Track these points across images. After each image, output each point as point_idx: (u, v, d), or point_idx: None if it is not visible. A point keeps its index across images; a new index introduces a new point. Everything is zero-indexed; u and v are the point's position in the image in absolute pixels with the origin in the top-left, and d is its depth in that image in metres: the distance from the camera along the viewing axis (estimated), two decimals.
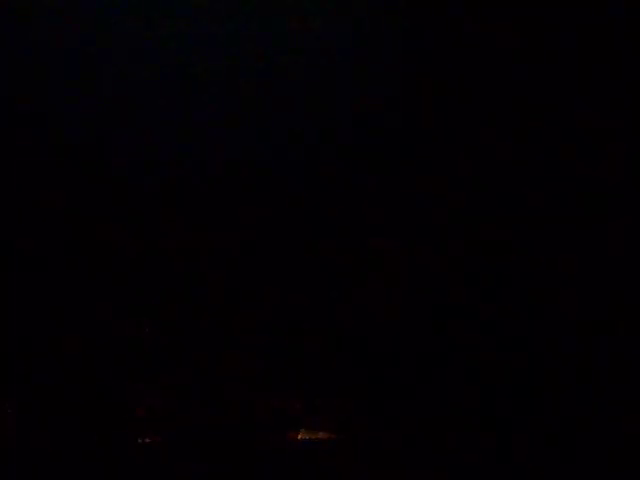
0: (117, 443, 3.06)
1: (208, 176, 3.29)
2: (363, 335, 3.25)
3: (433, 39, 3.34)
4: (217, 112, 3.30)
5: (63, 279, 3.22)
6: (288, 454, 3.09)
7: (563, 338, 3.21)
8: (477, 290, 3.25)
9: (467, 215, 3.29)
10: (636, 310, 3.19)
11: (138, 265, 3.25)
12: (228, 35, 3.30)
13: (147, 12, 3.28)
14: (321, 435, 3.13)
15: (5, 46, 3.26)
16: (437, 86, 3.33)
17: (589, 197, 3.27)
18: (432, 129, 3.33)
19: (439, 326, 3.25)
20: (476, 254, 3.28)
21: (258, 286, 3.28)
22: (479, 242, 3.28)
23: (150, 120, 3.28)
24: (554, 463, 3.07)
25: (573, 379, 3.17)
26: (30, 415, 3.08)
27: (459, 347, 3.21)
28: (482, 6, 3.32)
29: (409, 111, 3.33)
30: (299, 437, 3.13)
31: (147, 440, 3.07)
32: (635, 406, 3.11)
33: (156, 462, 3.04)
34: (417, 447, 3.11)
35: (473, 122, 3.32)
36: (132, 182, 3.27)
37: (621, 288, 3.22)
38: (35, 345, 3.16)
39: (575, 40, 3.28)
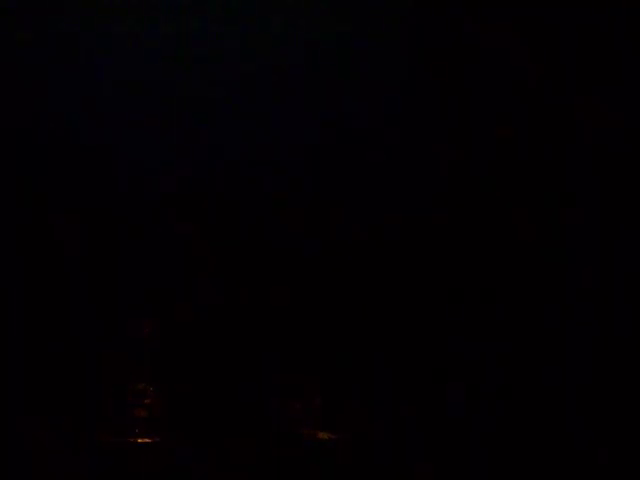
0: (116, 443, 3.06)
1: (208, 178, 3.31)
2: (363, 335, 3.26)
3: (433, 39, 3.35)
4: (216, 116, 3.31)
5: (65, 279, 3.22)
6: (288, 454, 3.10)
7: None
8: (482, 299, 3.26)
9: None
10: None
11: (139, 265, 3.25)
12: (228, 35, 3.30)
13: (147, 12, 3.29)
14: (321, 435, 3.13)
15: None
16: (437, 85, 3.34)
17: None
18: (432, 128, 3.34)
19: (438, 327, 3.25)
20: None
21: (259, 287, 3.28)
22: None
23: (150, 123, 3.28)
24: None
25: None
26: (30, 415, 3.08)
27: (460, 348, 3.22)
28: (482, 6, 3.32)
29: (410, 111, 3.34)
30: (299, 437, 3.13)
31: (147, 440, 3.07)
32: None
33: (156, 462, 3.04)
34: (417, 447, 3.11)
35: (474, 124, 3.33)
36: (130, 183, 3.27)
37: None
38: (35, 345, 3.16)
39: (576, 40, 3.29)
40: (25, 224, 3.22)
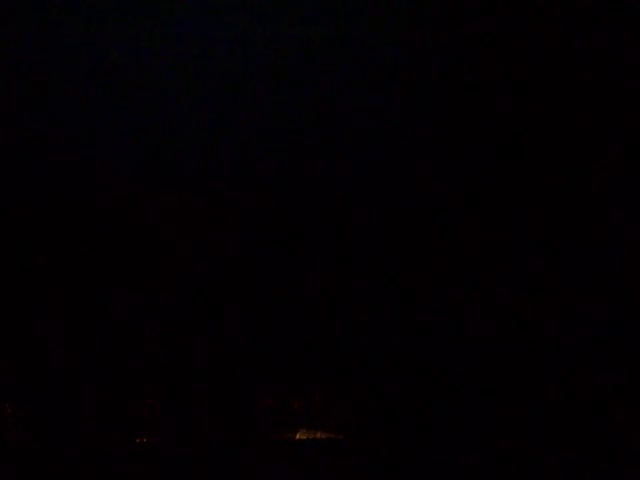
0: (117, 443, 3.06)
1: (205, 177, 3.30)
2: (363, 335, 3.25)
3: (434, 40, 3.34)
4: (215, 114, 3.31)
5: (64, 277, 3.22)
6: (288, 454, 3.09)
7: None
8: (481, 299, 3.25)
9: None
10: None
11: (138, 264, 3.25)
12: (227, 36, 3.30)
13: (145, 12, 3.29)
14: (321, 435, 3.13)
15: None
16: (438, 88, 3.33)
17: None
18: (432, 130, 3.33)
19: (438, 327, 3.25)
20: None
21: (258, 285, 3.28)
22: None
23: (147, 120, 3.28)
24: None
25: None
26: (29, 414, 3.08)
27: (462, 346, 3.21)
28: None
29: (410, 113, 3.33)
30: (299, 437, 3.13)
31: (147, 440, 3.07)
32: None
33: (156, 462, 3.04)
34: (417, 448, 3.11)
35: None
36: (129, 184, 3.27)
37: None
38: (35, 343, 3.16)
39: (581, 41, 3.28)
40: (21, 222, 3.22)
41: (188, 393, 3.16)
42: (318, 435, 3.13)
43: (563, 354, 3.18)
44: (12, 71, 3.26)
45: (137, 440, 3.07)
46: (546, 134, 3.30)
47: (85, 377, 3.14)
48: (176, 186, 3.29)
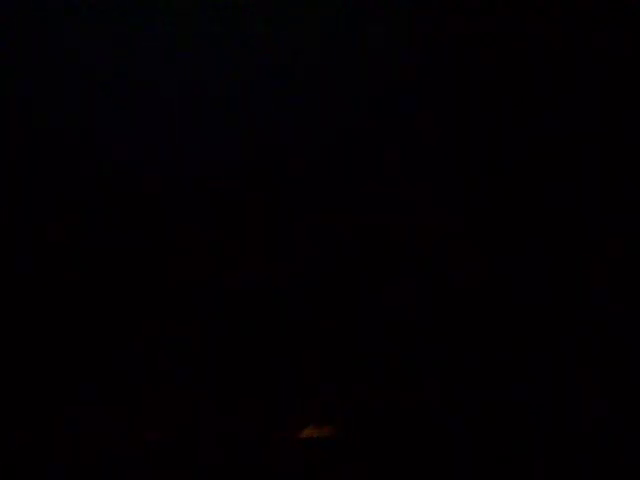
0: (118, 443, 3.07)
1: (205, 178, 3.31)
2: (364, 335, 3.25)
3: (434, 40, 3.35)
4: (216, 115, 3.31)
5: (64, 278, 3.23)
6: (288, 454, 3.09)
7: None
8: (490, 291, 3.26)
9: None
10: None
11: (137, 263, 3.25)
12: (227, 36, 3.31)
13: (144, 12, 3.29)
14: (321, 435, 3.13)
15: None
16: (438, 88, 3.34)
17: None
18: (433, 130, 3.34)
19: (439, 326, 3.25)
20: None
21: (258, 285, 3.28)
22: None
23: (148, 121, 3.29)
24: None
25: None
26: (29, 413, 3.09)
27: (462, 345, 3.22)
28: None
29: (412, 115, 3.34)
30: (299, 437, 3.13)
31: (147, 440, 3.07)
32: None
33: (157, 462, 3.04)
34: (417, 448, 3.11)
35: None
36: (128, 184, 3.28)
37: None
38: (35, 342, 3.17)
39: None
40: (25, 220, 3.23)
41: (189, 393, 3.16)
42: (318, 435, 3.13)
43: (562, 354, 3.19)
44: (12, 71, 3.26)
45: (137, 440, 3.07)
46: (546, 134, 3.31)
47: (86, 377, 3.15)
48: (176, 186, 3.29)
